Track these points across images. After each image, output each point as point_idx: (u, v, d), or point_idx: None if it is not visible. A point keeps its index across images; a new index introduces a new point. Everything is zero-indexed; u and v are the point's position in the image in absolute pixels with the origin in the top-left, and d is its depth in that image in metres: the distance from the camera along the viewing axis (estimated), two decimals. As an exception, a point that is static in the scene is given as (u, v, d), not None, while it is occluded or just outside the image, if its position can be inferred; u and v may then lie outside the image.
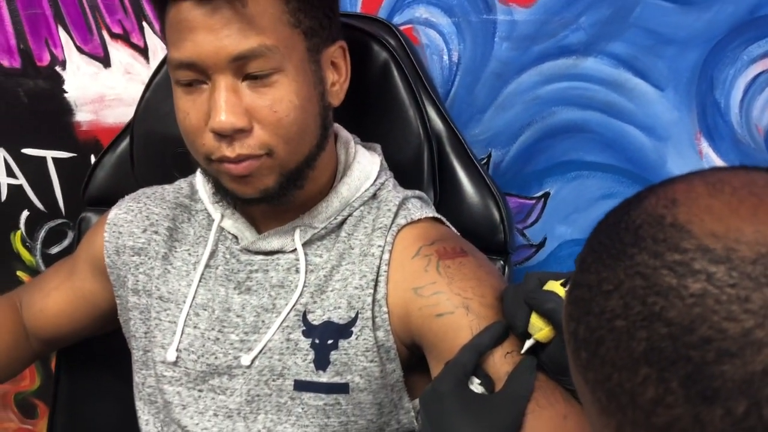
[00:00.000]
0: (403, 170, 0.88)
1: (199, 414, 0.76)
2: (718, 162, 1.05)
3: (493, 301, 0.69)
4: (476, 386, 0.63)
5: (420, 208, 0.78)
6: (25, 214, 1.36)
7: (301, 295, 0.74)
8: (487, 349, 0.64)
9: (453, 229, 0.81)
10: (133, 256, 0.82)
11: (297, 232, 0.75)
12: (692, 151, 1.05)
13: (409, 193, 0.81)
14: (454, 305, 0.69)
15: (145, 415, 0.82)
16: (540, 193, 1.15)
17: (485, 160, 1.14)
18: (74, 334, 0.91)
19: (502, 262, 0.91)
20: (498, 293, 0.70)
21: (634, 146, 1.07)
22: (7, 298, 0.92)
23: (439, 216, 0.80)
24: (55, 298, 0.89)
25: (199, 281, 0.78)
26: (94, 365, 1.04)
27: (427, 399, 0.62)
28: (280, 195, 0.71)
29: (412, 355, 0.73)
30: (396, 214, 0.76)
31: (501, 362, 0.65)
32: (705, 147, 1.05)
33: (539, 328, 0.62)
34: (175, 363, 0.77)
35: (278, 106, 0.67)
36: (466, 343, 0.64)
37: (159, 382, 0.78)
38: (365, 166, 0.79)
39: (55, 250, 1.39)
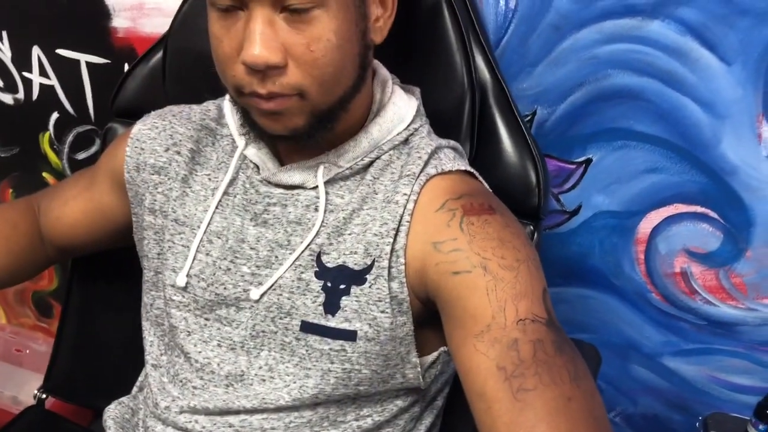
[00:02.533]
0: (441, 118, 0.83)
1: (203, 342, 0.75)
2: (777, 149, 0.98)
3: (513, 263, 0.66)
4: None
5: (453, 159, 0.74)
6: (55, 115, 1.34)
7: (317, 234, 0.71)
8: None
9: (485, 184, 0.77)
10: (153, 174, 0.80)
11: (320, 169, 0.72)
12: (751, 134, 0.99)
13: (444, 142, 0.77)
14: (472, 264, 0.65)
15: (150, 336, 0.81)
16: (582, 159, 1.09)
17: (529, 117, 1.09)
18: (89, 245, 0.90)
19: (531, 227, 0.87)
20: (521, 256, 0.67)
21: (689, 121, 1.01)
22: (26, 201, 0.91)
23: (471, 170, 0.75)
24: (72, 208, 0.87)
25: (216, 208, 0.76)
26: (108, 277, 1.03)
27: None
28: (309, 135, 0.68)
29: (425, 310, 0.71)
30: (426, 163, 0.72)
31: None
32: (766, 132, 0.98)
33: None
34: (184, 288, 0.75)
35: (315, 45, 0.62)
36: None
37: (167, 305, 0.77)
38: (400, 108, 0.75)
39: (81, 155, 1.38)
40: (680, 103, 1.00)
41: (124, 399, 0.85)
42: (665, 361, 1.18)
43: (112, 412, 0.83)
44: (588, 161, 1.09)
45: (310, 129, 0.67)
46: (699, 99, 0.99)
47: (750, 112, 0.98)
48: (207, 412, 0.73)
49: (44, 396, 1.05)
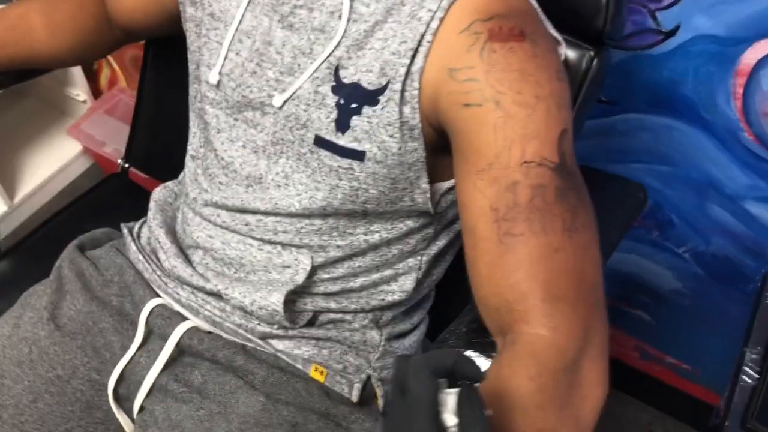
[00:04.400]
0: None
1: (230, 141, 0.77)
2: None
3: (530, 100, 0.60)
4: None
5: None
6: None
7: (338, 45, 0.68)
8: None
9: (532, 2, 0.68)
10: (192, -37, 0.78)
11: None
12: None
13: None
14: (484, 97, 0.61)
15: (194, 127, 0.85)
16: (688, -30, 0.94)
17: None
18: (149, 30, 0.93)
19: (591, 54, 0.78)
20: (542, 92, 0.61)
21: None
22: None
23: None
24: None
25: (248, 4, 0.74)
26: (178, 60, 1.06)
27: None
28: None
29: (441, 138, 0.68)
30: None
31: None
32: None
33: None
34: (217, 86, 0.76)
35: None
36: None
37: (202, 101, 0.79)
38: None
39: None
40: None
41: (169, 183, 0.92)
42: (747, 205, 1.09)
43: (157, 194, 0.90)
44: (695, -26, 0.93)
45: None
46: None
47: None
48: (227, 208, 0.78)
49: (126, 165, 1.15)
